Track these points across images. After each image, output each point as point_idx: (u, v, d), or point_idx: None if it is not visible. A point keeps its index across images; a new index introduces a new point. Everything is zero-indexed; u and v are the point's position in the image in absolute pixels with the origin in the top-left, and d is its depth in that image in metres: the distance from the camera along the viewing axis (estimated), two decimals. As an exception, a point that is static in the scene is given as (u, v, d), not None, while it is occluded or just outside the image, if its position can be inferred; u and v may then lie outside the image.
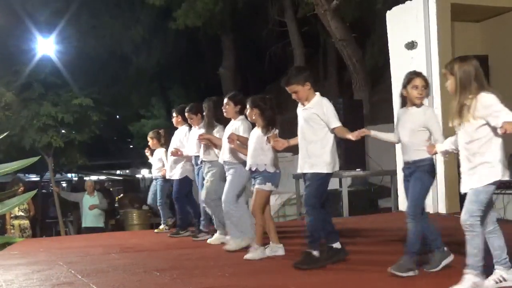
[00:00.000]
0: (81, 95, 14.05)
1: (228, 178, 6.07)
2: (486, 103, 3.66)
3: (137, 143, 30.90)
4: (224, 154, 6.13)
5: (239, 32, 20.38)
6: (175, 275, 4.95)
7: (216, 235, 6.78)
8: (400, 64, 9.22)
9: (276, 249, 5.61)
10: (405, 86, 4.44)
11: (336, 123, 4.85)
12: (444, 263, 4.46)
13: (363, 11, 15.40)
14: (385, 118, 10.96)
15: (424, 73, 8.94)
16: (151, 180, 9.74)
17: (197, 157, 7.00)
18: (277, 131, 5.53)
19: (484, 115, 3.66)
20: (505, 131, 3.47)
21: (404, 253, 4.37)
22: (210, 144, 6.48)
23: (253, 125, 5.85)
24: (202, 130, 6.77)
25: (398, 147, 8.75)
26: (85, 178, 20.18)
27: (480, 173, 3.69)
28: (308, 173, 4.92)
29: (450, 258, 4.49)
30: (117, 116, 23.04)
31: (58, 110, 13.50)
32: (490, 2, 9.19)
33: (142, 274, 5.11)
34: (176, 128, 7.91)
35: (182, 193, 7.70)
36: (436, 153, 4.22)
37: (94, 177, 22.49)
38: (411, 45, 8.83)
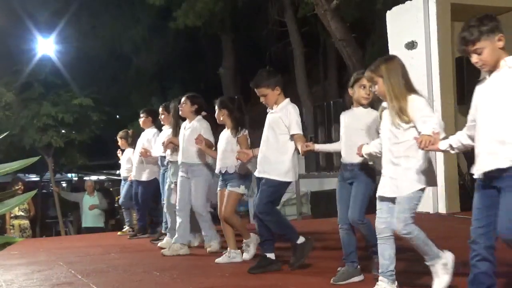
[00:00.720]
0: (81, 95, 14.05)
1: (193, 181, 5.97)
2: (417, 107, 3.53)
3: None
4: (182, 156, 6.02)
5: (239, 32, 20.37)
6: (175, 275, 4.95)
7: (167, 238, 6.67)
8: (400, 64, 9.22)
9: (234, 255, 5.51)
10: (352, 85, 4.30)
11: (296, 130, 4.70)
12: (352, 280, 4.27)
13: (363, 11, 15.39)
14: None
15: (424, 73, 9.03)
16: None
17: (163, 158, 6.90)
18: (246, 131, 5.47)
19: (413, 119, 3.52)
20: (419, 144, 3.30)
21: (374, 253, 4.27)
22: (176, 146, 6.36)
23: (213, 126, 5.84)
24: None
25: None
26: (85, 178, 20.15)
27: (407, 179, 3.57)
28: (264, 179, 4.81)
29: (360, 277, 4.32)
30: (117, 116, 23.03)
31: (58, 110, 13.50)
32: (490, 2, 9.19)
33: (142, 274, 5.11)
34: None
35: (149, 195, 7.67)
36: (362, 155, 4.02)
37: (94, 177, 22.45)
38: (411, 45, 8.83)
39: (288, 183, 4.86)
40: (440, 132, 3.33)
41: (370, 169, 4.27)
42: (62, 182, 22.87)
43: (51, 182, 15.80)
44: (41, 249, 7.30)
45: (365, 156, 4.02)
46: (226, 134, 5.54)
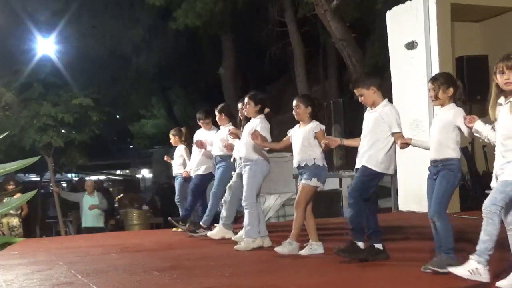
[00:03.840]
0: (81, 95, 14.04)
1: (246, 175, 6.19)
2: None
3: (137, 143, 30.95)
4: (240, 151, 6.33)
5: (239, 32, 20.36)
6: (175, 275, 4.95)
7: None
8: (400, 64, 9.22)
9: (316, 247, 5.65)
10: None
11: (396, 128, 4.95)
12: (449, 270, 4.08)
13: (363, 11, 15.38)
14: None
15: (424, 73, 9.01)
16: (151, 180, 9.67)
17: (217, 156, 7.24)
18: (323, 127, 5.73)
19: None
20: None
21: (439, 252, 4.33)
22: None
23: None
24: (226, 130, 7.05)
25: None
26: (86, 178, 20.15)
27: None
28: (359, 167, 5.02)
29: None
30: (117, 116, 23.02)
31: (58, 110, 13.49)
32: (490, 2, 9.19)
33: (142, 274, 5.11)
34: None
35: (201, 188, 7.77)
36: (471, 126, 4.11)
37: (94, 177, 22.47)
38: (411, 45, 8.84)
39: (382, 175, 5.06)
40: None
41: (454, 165, 4.38)
42: (62, 182, 22.89)
43: (51, 182, 15.81)
44: (41, 249, 7.29)
45: (474, 131, 4.15)
46: (301, 130, 5.75)
